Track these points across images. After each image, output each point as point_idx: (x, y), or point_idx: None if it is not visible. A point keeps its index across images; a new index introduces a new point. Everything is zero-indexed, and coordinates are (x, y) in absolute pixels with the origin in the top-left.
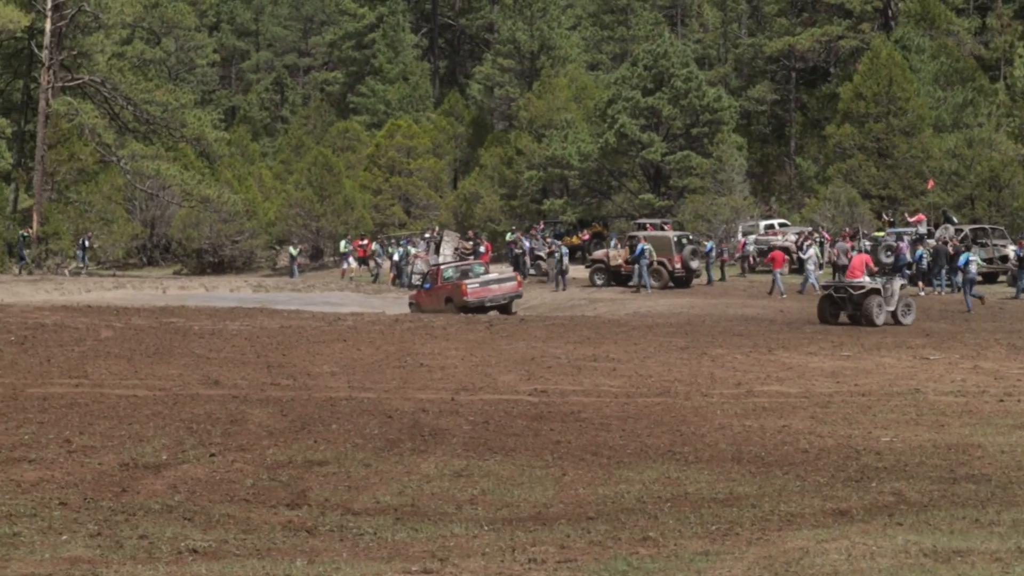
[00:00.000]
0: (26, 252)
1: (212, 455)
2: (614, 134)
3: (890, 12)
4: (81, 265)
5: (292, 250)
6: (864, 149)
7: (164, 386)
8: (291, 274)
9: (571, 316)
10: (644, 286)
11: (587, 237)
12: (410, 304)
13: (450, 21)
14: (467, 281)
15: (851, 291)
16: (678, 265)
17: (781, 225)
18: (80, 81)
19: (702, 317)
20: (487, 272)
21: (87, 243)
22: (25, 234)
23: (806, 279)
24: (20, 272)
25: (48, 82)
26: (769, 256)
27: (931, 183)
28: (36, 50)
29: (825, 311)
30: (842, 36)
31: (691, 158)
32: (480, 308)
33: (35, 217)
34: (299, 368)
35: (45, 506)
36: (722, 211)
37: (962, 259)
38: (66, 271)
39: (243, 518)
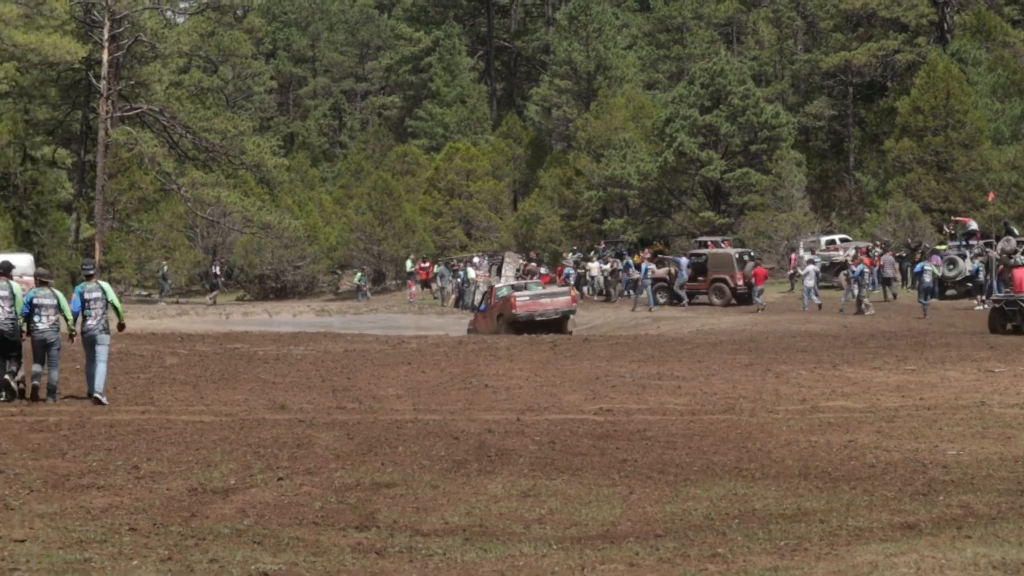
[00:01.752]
0: (167, 284)
1: (280, 479)
2: (673, 153)
3: (946, 25)
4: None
5: (357, 278)
6: (923, 163)
7: (230, 411)
8: (358, 299)
9: (634, 335)
10: (647, 305)
11: (647, 256)
12: (468, 329)
13: (506, 43)
14: (517, 294)
15: (1021, 305)
16: (740, 282)
17: (842, 240)
18: (139, 110)
19: (765, 334)
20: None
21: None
22: (164, 266)
23: (805, 295)
24: (161, 302)
25: (107, 112)
26: (752, 272)
27: (991, 195)
28: (94, 81)
29: (996, 322)
30: (898, 50)
31: (750, 175)
32: (530, 323)
33: (97, 247)
34: (364, 391)
35: (115, 532)
36: (783, 227)
37: (917, 267)
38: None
39: (312, 541)
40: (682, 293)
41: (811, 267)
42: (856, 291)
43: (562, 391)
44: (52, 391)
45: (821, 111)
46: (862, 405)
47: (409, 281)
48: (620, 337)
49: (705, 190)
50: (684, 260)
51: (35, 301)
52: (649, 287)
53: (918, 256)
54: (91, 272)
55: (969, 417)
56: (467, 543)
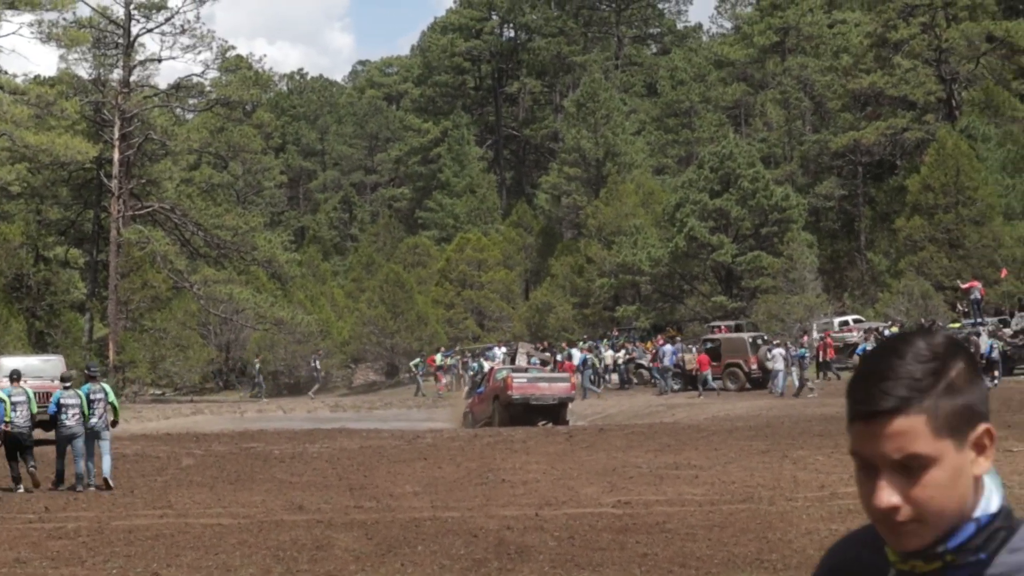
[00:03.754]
0: (262, 380)
1: None
2: (683, 238)
3: (954, 102)
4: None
5: (414, 363)
6: (935, 240)
7: (248, 513)
8: (418, 385)
9: (649, 423)
10: (593, 391)
11: (660, 342)
12: (465, 413)
13: (514, 132)
14: (515, 375)
15: None
16: (754, 366)
17: (856, 321)
18: (150, 209)
19: (781, 419)
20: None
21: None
22: (257, 364)
23: (777, 381)
24: (252, 398)
25: (118, 211)
26: (697, 359)
27: (1004, 272)
28: (105, 180)
29: None
30: (907, 128)
31: (762, 258)
32: (525, 406)
33: (111, 346)
34: (381, 489)
35: None
36: (795, 310)
37: (859, 348)
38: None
39: None
40: (668, 381)
41: (777, 351)
42: (795, 373)
43: (579, 484)
44: (80, 478)
45: (831, 191)
46: None
47: (438, 374)
48: (636, 426)
49: (717, 274)
50: (668, 347)
51: (61, 401)
52: (586, 374)
53: None
54: (95, 374)
55: None
56: None
